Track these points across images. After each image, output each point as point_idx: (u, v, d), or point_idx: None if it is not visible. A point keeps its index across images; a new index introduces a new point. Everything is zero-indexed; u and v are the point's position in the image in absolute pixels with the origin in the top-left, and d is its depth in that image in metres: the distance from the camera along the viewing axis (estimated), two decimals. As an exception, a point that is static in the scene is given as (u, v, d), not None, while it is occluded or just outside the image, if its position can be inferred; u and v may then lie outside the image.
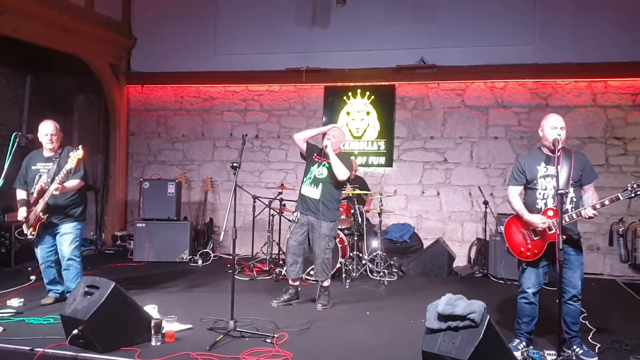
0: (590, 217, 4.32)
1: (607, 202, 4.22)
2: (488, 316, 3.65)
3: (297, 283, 6.16)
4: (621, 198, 4.19)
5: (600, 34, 8.17)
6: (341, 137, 6.13)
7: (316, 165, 6.02)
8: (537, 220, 4.41)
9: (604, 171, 8.10)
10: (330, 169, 5.90)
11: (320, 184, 5.91)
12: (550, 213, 4.40)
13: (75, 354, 4.23)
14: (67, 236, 5.59)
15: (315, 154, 6.12)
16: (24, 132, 5.52)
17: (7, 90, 9.69)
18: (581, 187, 4.50)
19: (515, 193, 4.63)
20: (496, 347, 3.69)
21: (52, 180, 5.36)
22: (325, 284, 6.07)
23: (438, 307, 3.79)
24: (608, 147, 8.29)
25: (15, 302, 5.63)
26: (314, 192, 5.91)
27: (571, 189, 4.40)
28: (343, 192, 7.84)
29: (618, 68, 8.09)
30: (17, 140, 5.23)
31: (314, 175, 5.97)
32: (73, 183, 5.51)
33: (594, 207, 4.26)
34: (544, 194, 4.50)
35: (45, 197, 5.36)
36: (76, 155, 5.22)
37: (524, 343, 4.56)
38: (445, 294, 3.93)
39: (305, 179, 6.04)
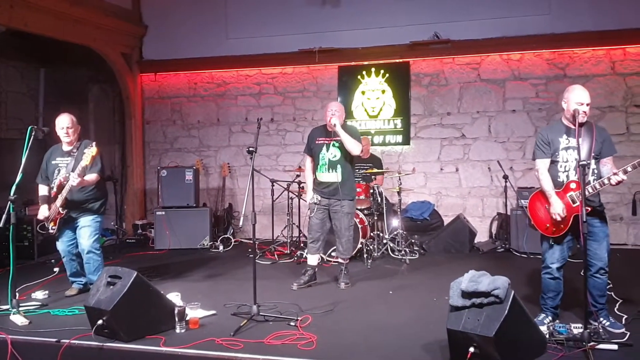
0: (617, 183, 4.22)
1: (638, 165, 4.13)
2: (512, 292, 3.62)
3: (315, 263, 6.16)
4: None
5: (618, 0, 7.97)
6: (342, 109, 6.01)
7: (324, 148, 5.97)
8: (557, 210, 4.32)
9: (625, 140, 7.97)
10: (340, 147, 5.87)
11: (338, 166, 5.89)
12: (573, 186, 4.32)
13: (101, 344, 4.26)
14: (85, 229, 5.62)
15: (317, 138, 6.05)
16: (40, 125, 5.52)
17: (21, 84, 9.75)
18: (599, 161, 4.42)
19: (544, 168, 4.49)
20: (522, 323, 3.66)
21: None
22: (346, 261, 6.13)
23: (461, 285, 3.77)
24: (629, 116, 8.12)
25: (39, 294, 5.70)
26: (332, 177, 5.89)
27: (592, 161, 4.31)
28: (361, 171, 7.86)
29: (637, 34, 7.87)
30: (33, 133, 5.24)
31: (328, 159, 5.93)
32: (91, 177, 5.53)
33: (625, 172, 4.16)
34: (565, 167, 4.42)
35: (63, 192, 5.39)
36: (90, 152, 5.21)
37: (549, 317, 4.51)
38: (468, 271, 3.90)
39: (320, 166, 5.99)
